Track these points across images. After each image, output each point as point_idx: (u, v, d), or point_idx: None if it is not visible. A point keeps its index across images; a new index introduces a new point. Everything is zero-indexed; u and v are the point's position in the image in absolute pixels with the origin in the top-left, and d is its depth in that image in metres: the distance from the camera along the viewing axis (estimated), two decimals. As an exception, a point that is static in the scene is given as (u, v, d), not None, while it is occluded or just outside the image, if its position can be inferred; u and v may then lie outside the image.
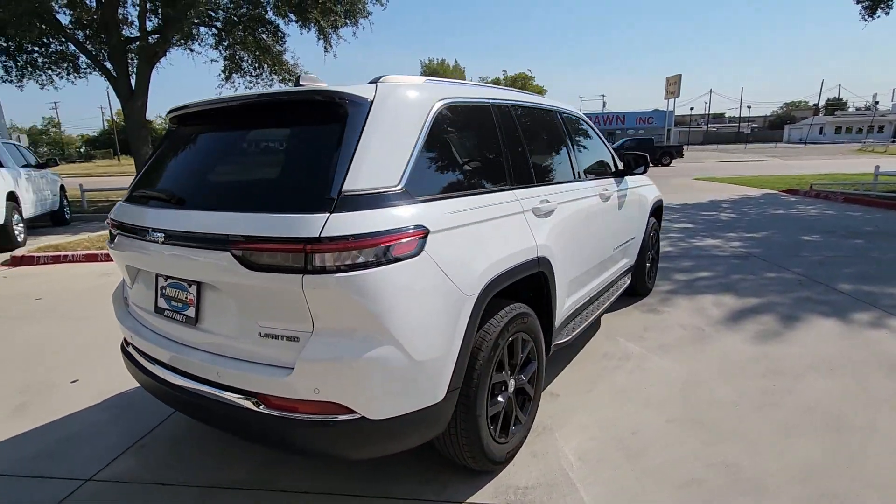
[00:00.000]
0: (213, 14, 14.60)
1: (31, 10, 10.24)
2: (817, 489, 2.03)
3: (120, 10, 13.37)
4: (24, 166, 9.63)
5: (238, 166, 1.93)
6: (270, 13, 14.82)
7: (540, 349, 2.41)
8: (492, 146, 2.27)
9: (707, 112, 75.10)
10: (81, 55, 14.76)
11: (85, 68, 15.66)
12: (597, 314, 3.22)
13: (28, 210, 8.85)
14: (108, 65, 13.80)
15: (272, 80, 17.38)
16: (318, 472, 2.21)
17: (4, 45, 15.15)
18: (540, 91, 59.75)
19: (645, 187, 4.30)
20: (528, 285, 2.41)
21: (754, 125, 79.62)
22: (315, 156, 1.66)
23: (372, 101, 1.74)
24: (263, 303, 1.60)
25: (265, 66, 17.04)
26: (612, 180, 3.52)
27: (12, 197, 8.22)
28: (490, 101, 2.34)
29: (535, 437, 2.48)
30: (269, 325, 1.61)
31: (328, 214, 1.51)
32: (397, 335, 1.58)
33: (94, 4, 13.29)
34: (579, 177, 3.03)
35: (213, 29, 15.44)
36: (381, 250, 1.56)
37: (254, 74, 17.39)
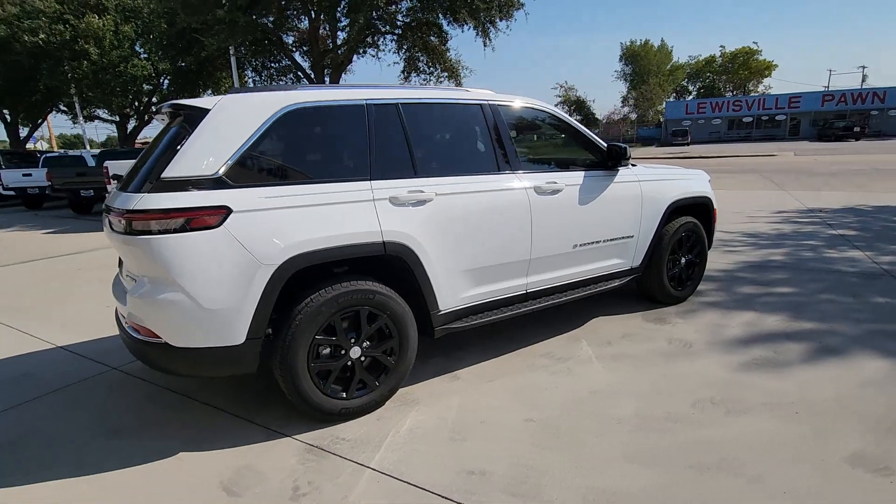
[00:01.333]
0: (391, 23, 16.56)
1: (258, 37, 13.37)
2: (591, 512, 1.88)
3: (321, 30, 16.27)
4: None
5: (143, 157, 2.66)
6: (439, 17, 16.12)
7: (402, 327, 2.63)
8: (351, 142, 2.57)
9: None
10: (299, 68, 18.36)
11: (301, 78, 19.45)
12: (529, 309, 3.17)
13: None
14: (312, 74, 16.95)
15: (443, 76, 18.85)
16: (222, 395, 2.89)
17: (253, 63, 19.74)
18: (768, 66, 50.23)
19: (663, 181, 3.81)
20: (402, 268, 2.66)
21: None
22: (162, 151, 2.29)
23: (209, 110, 2.28)
24: (123, 254, 2.31)
25: (438, 65, 18.56)
26: (576, 173, 3.32)
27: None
28: (365, 101, 2.62)
29: (399, 405, 2.72)
30: (129, 269, 2.33)
31: (143, 194, 2.13)
32: (187, 286, 2.12)
33: (306, 25, 16.43)
34: (506, 168, 3.02)
35: (394, 35, 17.49)
36: (178, 222, 2.11)
37: (428, 72, 19.10)
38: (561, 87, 51.29)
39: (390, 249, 2.53)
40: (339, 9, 13.86)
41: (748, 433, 2.33)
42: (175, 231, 2.11)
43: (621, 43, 53.58)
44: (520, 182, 3.04)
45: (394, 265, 2.66)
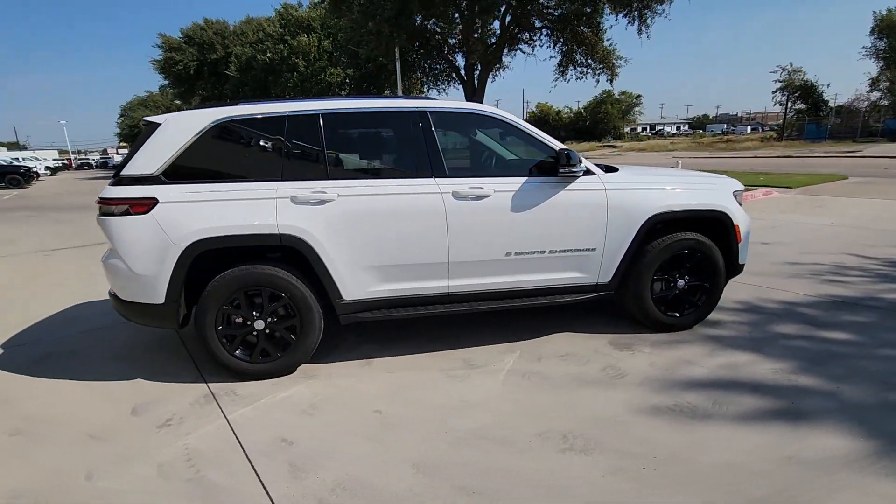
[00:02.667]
0: (543, 17, 16.39)
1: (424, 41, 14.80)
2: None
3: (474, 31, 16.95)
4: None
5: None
6: (592, 7, 15.37)
7: (303, 309, 3.01)
8: (268, 149, 3.01)
9: None
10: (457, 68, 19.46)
11: (455, 79, 20.53)
12: (456, 311, 3.21)
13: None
14: (464, 74, 17.83)
15: (600, 68, 17.94)
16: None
17: (422, 66, 21.59)
18: None
19: (644, 190, 3.34)
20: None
21: None
22: (127, 155, 3.06)
23: (160, 125, 2.98)
24: (104, 231, 3.18)
25: (594, 56, 17.75)
26: (514, 179, 3.18)
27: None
28: (287, 113, 3.03)
29: (299, 376, 3.12)
30: (112, 242, 3.21)
31: (108, 187, 2.93)
32: (123, 255, 2.86)
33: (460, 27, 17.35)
34: (426, 173, 3.10)
35: (547, 30, 17.26)
36: (122, 208, 2.85)
37: (585, 65, 18.37)
38: (783, 69, 42.84)
39: (286, 241, 2.93)
40: (474, 11, 14.31)
41: (559, 474, 2.12)
42: (120, 214, 2.88)
43: (874, 12, 41.99)
44: (437, 187, 3.10)
45: (299, 255, 3.04)
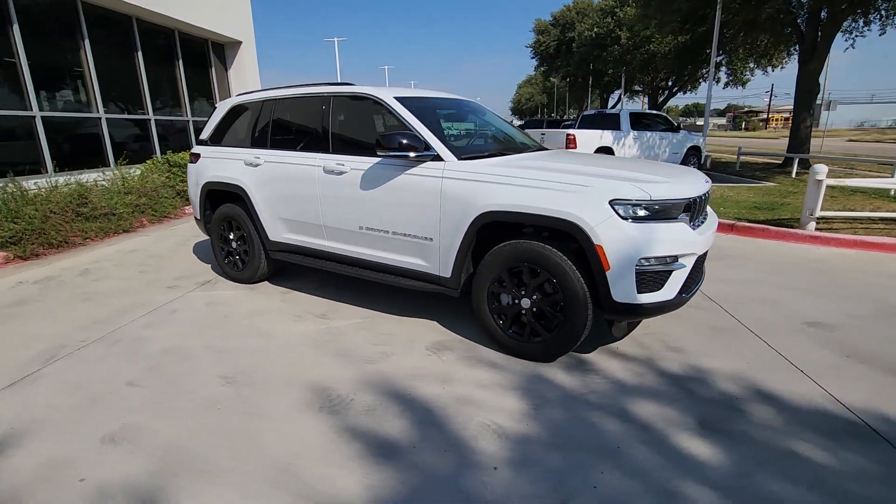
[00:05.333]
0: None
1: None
2: None
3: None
4: (662, 129, 12.88)
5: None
6: None
7: (250, 240, 4.27)
8: (251, 124, 4.20)
9: None
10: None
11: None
12: (335, 270, 3.74)
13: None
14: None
15: None
16: (259, 256, 5.43)
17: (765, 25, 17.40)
18: None
19: (485, 184, 2.84)
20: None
21: None
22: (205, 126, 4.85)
23: (217, 106, 4.65)
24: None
25: None
26: (368, 159, 3.35)
27: (607, 150, 12.01)
28: (264, 98, 4.13)
29: (248, 288, 4.40)
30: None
31: (195, 146, 4.86)
32: (189, 187, 4.75)
33: None
34: (321, 149, 3.65)
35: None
36: (192, 158, 4.73)
37: None
38: None
39: (237, 190, 4.19)
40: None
41: (190, 392, 2.71)
42: (192, 162, 4.77)
43: None
44: (317, 161, 3.65)
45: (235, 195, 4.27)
